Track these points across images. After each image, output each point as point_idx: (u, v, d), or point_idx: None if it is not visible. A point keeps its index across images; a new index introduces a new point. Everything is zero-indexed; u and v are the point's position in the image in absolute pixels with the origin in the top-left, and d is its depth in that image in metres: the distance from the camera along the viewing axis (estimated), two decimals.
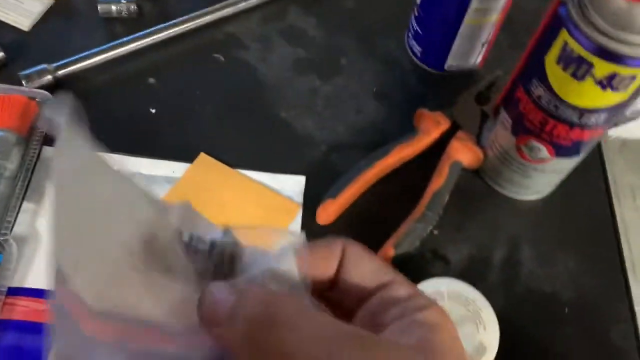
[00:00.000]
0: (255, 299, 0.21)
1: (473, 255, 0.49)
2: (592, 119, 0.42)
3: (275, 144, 0.53)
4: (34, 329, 0.40)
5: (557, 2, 0.39)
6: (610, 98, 0.40)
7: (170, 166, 0.50)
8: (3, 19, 0.57)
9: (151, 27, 0.56)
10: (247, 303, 0.21)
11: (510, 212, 0.52)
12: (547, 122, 0.44)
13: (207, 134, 0.53)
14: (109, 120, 0.51)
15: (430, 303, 0.24)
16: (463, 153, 0.51)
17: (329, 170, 0.51)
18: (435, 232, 0.49)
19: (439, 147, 0.52)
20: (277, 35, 0.59)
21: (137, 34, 0.56)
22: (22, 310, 0.41)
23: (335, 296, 0.25)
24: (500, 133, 0.49)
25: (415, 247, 0.48)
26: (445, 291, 0.43)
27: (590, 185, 0.54)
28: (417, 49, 0.58)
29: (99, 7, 0.58)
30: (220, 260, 0.23)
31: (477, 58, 0.57)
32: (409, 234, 0.47)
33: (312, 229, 0.47)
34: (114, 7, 0.58)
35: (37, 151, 0.49)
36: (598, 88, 0.39)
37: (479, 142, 0.52)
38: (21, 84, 0.52)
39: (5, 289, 0.41)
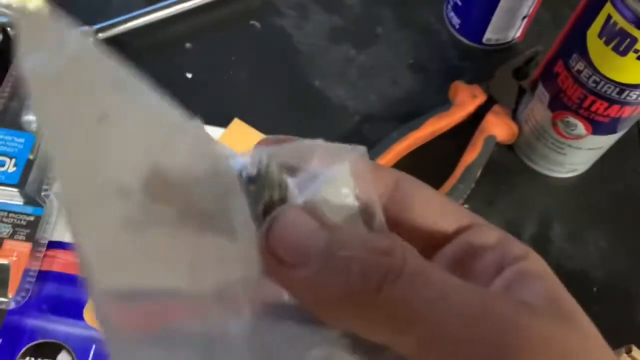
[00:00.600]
0: (357, 240, 0.17)
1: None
2: (632, 96, 0.41)
3: (308, 113, 0.53)
4: (71, 281, 0.42)
5: None
6: None
7: None
8: None
9: None
10: (351, 245, 0.17)
11: (542, 189, 0.51)
12: (585, 98, 0.43)
13: (241, 100, 0.53)
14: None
15: (527, 249, 0.19)
16: (498, 127, 0.50)
17: (361, 141, 0.49)
18: (466, 206, 0.49)
19: (474, 120, 0.51)
20: (314, 3, 0.59)
21: None
22: (61, 262, 0.42)
23: None
24: (537, 108, 0.48)
25: None
26: None
27: (626, 164, 0.53)
28: (456, 20, 0.57)
29: None
30: (268, 196, 0.18)
31: (516, 32, 0.56)
32: None
33: None
34: None
35: None
36: None
37: (514, 117, 0.51)
38: None
39: (45, 242, 0.43)
